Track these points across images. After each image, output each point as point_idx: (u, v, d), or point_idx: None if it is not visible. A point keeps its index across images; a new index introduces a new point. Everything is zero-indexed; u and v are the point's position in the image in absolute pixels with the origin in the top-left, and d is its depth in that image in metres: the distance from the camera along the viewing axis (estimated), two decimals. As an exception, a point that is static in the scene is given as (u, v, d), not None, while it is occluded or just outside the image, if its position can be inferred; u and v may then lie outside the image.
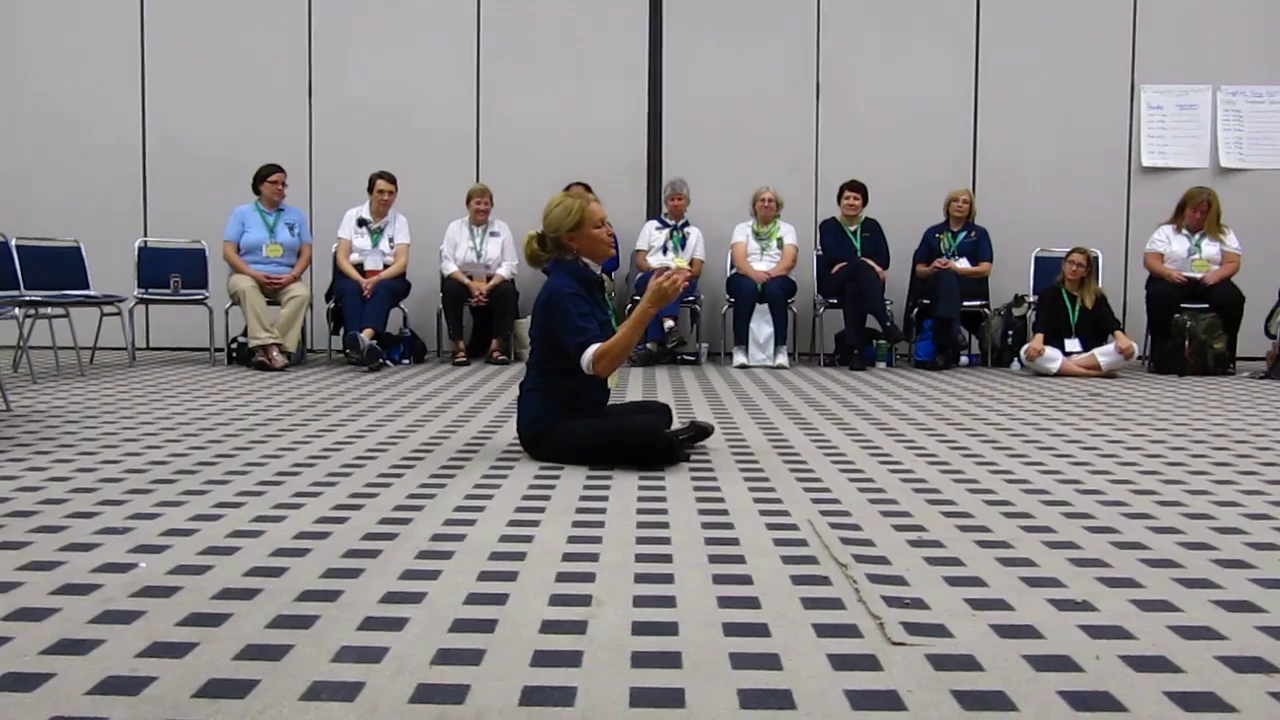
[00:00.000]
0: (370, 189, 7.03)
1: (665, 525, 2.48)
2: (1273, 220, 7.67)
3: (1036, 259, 7.51)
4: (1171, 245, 6.88)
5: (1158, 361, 6.76)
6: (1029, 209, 7.77)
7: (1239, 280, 6.76)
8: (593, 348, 3.23)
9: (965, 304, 7.03)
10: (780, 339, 6.95)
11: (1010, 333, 7.14)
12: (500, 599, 1.91)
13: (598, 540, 2.34)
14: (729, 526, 2.48)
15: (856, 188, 7.25)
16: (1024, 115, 7.82)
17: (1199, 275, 6.74)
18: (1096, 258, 6.97)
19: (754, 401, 4.96)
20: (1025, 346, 6.60)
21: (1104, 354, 6.39)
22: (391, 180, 7.03)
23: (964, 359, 7.17)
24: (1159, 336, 6.79)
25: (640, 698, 1.47)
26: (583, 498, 2.79)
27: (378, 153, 7.57)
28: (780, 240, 7.23)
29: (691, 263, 7.35)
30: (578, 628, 1.75)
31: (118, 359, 6.88)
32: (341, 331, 6.79)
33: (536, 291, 3.51)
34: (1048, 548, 2.29)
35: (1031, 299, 7.18)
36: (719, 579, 2.04)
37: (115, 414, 4.29)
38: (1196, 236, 6.85)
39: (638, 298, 6.82)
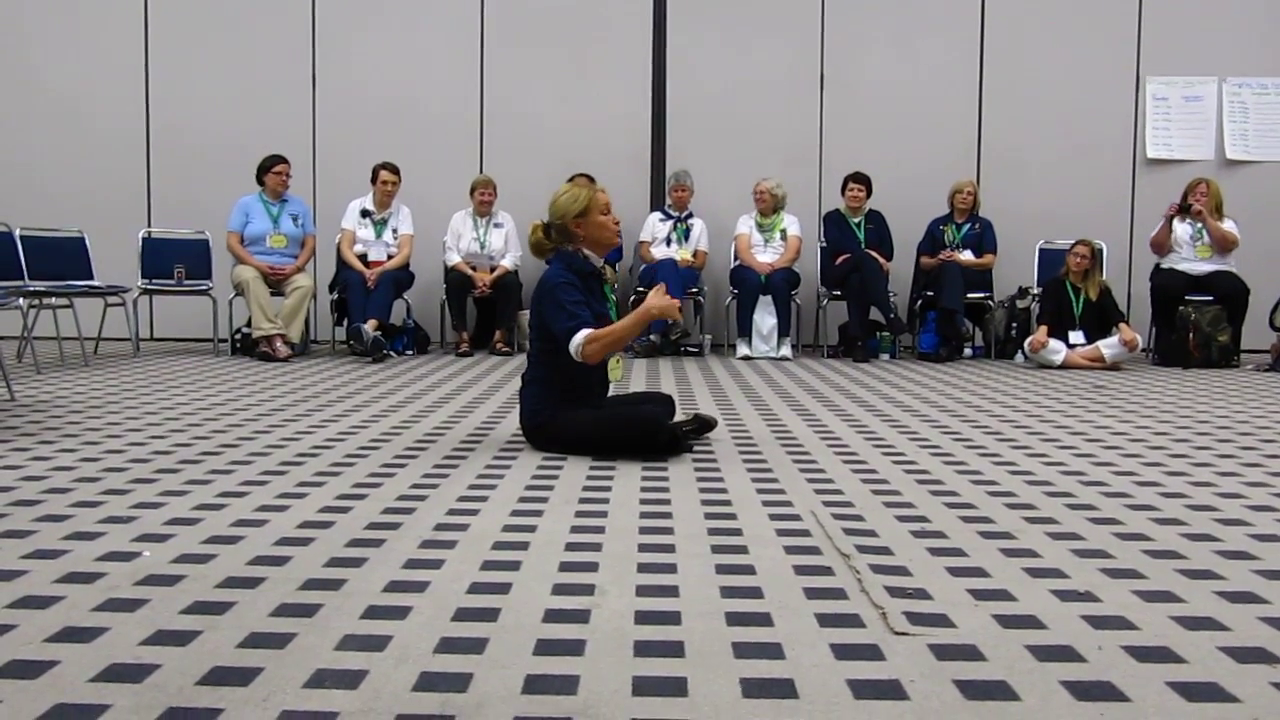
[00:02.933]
0: (373, 180, 7.03)
1: (668, 515, 2.48)
2: (1278, 212, 7.64)
3: (1040, 251, 7.49)
4: (1175, 231, 6.87)
5: (1162, 354, 6.75)
6: (1033, 201, 7.75)
7: (1243, 272, 6.75)
8: (584, 331, 3.20)
9: (969, 296, 7.01)
10: (784, 330, 6.94)
11: (1014, 325, 7.13)
12: (503, 588, 1.91)
13: (600, 530, 2.34)
14: (732, 517, 2.48)
15: (860, 179, 7.23)
16: (1028, 107, 7.80)
17: (1203, 263, 6.75)
18: (1101, 250, 6.95)
19: (757, 393, 4.96)
20: (1029, 339, 6.58)
21: (1108, 346, 6.38)
22: (395, 171, 7.02)
23: (967, 351, 7.16)
24: (1163, 329, 6.79)
25: (643, 687, 1.47)
26: (585, 488, 2.79)
27: (381, 143, 7.56)
28: (784, 232, 7.22)
29: (695, 254, 7.35)
30: (580, 617, 1.76)
31: (122, 349, 6.88)
32: (345, 322, 6.79)
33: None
34: (1050, 539, 2.29)
35: (1035, 291, 7.18)
36: (722, 569, 2.04)
37: (119, 404, 4.30)
38: (1199, 224, 6.84)
39: (641, 289, 6.84)
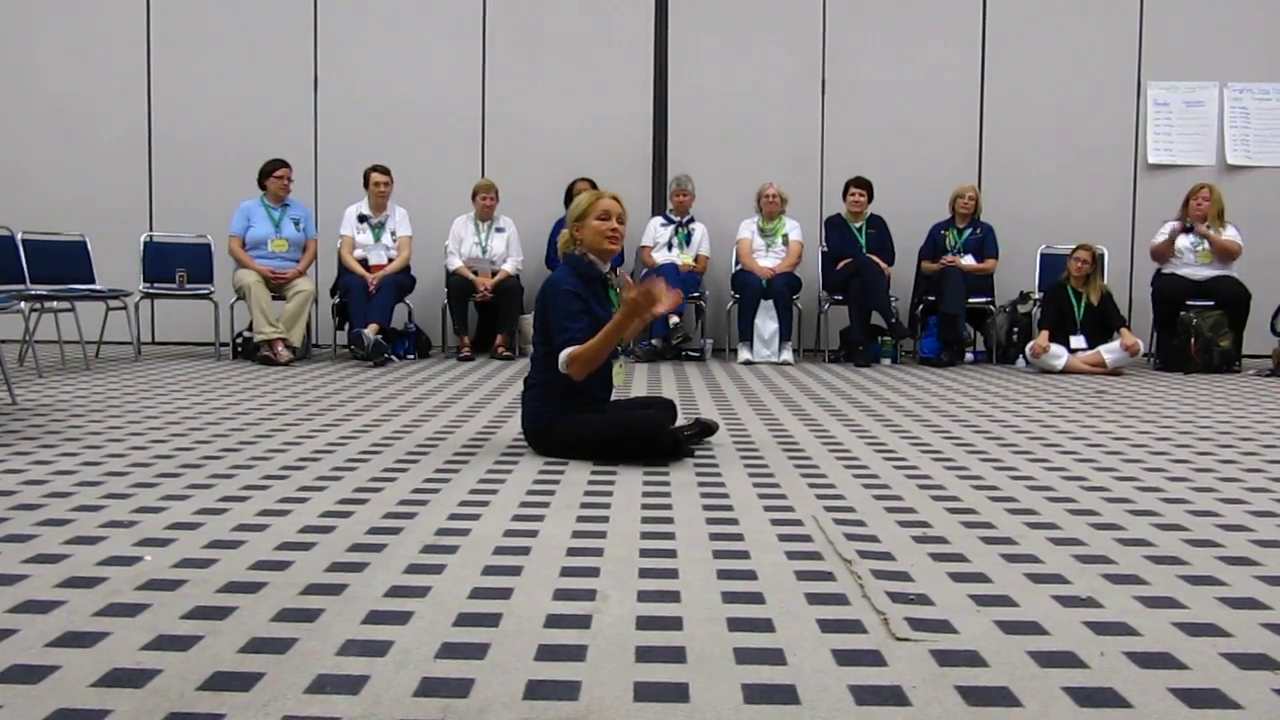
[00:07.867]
0: (366, 184, 7.04)
1: (670, 520, 2.48)
2: (1279, 218, 7.64)
3: (1042, 256, 7.49)
4: (1177, 241, 6.87)
5: (1163, 359, 6.75)
6: (1034, 205, 7.75)
7: (1244, 277, 6.75)
8: (568, 349, 3.23)
9: (970, 300, 7.02)
10: (785, 335, 6.94)
11: (1015, 329, 7.13)
12: (504, 593, 1.91)
13: (602, 535, 2.34)
14: (733, 521, 2.48)
15: (862, 184, 7.23)
16: (1030, 111, 7.80)
17: (1204, 268, 6.75)
18: (1102, 254, 6.96)
19: (758, 397, 4.96)
20: (1030, 343, 6.58)
21: (1109, 351, 6.38)
22: (386, 172, 7.03)
23: (969, 356, 7.16)
24: (1165, 334, 6.79)
25: (644, 692, 1.47)
26: (587, 492, 2.79)
27: (383, 148, 7.57)
28: (785, 236, 7.22)
29: (696, 259, 7.35)
30: (582, 622, 1.75)
31: (123, 353, 6.89)
32: (347, 326, 6.80)
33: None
34: (1052, 544, 2.29)
35: (1037, 296, 7.18)
36: (723, 574, 2.04)
37: (120, 408, 4.30)
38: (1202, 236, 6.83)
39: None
